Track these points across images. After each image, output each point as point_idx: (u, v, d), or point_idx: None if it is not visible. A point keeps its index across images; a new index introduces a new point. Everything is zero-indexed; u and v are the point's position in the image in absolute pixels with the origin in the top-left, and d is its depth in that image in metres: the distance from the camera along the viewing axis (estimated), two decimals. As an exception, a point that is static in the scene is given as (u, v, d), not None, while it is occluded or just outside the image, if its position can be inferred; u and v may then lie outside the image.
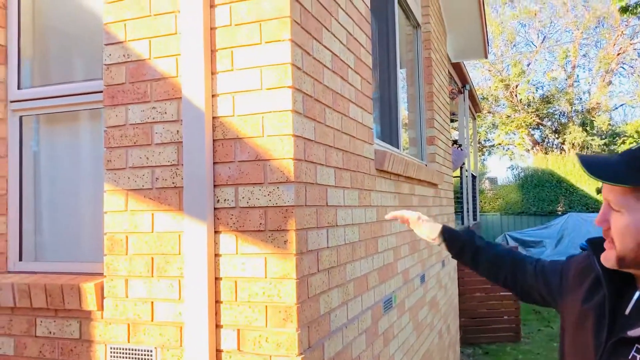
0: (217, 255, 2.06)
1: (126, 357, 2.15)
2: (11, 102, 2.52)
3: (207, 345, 1.98)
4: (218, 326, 2.03)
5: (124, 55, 2.20)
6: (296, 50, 2.06)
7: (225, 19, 2.08)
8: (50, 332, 2.29)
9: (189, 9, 2.06)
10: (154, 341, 2.11)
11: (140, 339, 2.13)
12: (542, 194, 18.55)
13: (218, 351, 2.03)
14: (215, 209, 2.07)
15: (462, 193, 11.07)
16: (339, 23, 2.57)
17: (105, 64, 2.23)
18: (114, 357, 2.17)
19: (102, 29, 2.26)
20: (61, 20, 2.64)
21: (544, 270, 1.56)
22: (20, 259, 2.52)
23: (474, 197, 12.82)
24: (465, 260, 1.81)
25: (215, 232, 2.07)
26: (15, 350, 2.35)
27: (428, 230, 1.89)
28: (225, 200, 2.06)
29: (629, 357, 1.08)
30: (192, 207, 2.06)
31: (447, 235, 1.84)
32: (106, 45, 2.24)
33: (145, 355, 2.12)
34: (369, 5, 3.09)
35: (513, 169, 24.02)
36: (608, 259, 1.16)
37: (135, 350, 2.14)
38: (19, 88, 2.54)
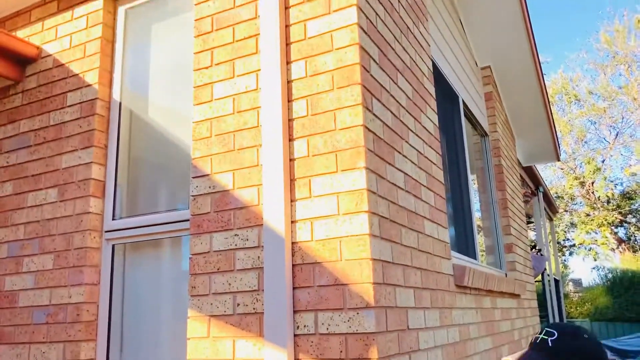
0: (297, 384, 2.02)
1: None
2: (106, 232, 2.72)
3: None
4: None
5: (209, 187, 2.36)
6: (370, 176, 2.13)
7: (303, 150, 2.21)
8: None
9: (270, 144, 2.21)
10: None
11: None
12: (636, 297, 17.04)
13: None
14: (295, 335, 2.07)
15: (545, 299, 10.39)
16: (410, 145, 2.65)
17: (192, 195, 2.39)
18: None
19: (189, 163, 2.45)
20: (151, 153, 2.90)
21: None
22: (106, 386, 2.57)
23: (558, 302, 11.97)
24: None
25: (296, 359, 2.05)
26: None
27: None
28: (305, 326, 2.06)
29: None
30: (272, 333, 2.07)
31: None
32: (193, 178, 2.41)
33: None
34: (437, 123, 3.19)
35: (599, 270, 22.41)
36: None
37: None
38: (113, 218, 2.74)
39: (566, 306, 17.54)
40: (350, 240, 2.06)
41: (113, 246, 2.72)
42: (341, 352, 1.98)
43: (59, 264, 2.69)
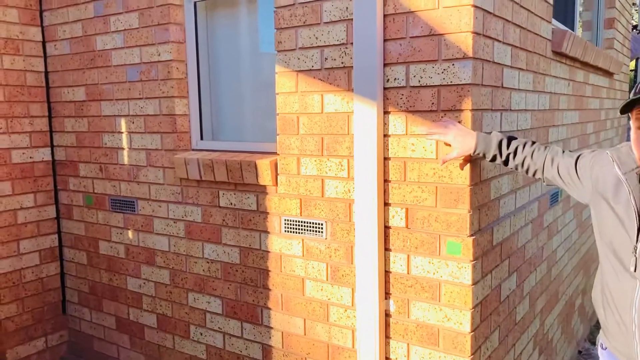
0: (386, 135, 2.05)
1: (299, 229, 2.31)
2: (187, -13, 2.63)
3: (375, 221, 2.04)
4: (386, 204, 2.07)
5: None
6: None
7: None
8: (231, 204, 2.53)
9: None
10: (325, 215, 2.23)
11: (311, 213, 2.26)
12: None
13: (387, 227, 2.08)
14: (384, 88, 2.03)
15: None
16: None
17: (273, -59, 2.20)
18: (288, 227, 2.34)
19: None
20: None
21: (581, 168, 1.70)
22: (202, 138, 2.75)
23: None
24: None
25: (385, 112, 2.04)
26: (202, 217, 2.64)
27: (461, 144, 1.85)
28: (395, 79, 2.01)
29: None
30: (361, 87, 2.04)
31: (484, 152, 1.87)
32: None
33: (316, 227, 2.25)
34: None
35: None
36: None
37: (307, 222, 2.28)
38: (192, -27, 2.63)
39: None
40: (449, -14, 1.86)
41: (195, 3, 2.65)
42: (433, 103, 1.94)
43: (144, 22, 2.69)
